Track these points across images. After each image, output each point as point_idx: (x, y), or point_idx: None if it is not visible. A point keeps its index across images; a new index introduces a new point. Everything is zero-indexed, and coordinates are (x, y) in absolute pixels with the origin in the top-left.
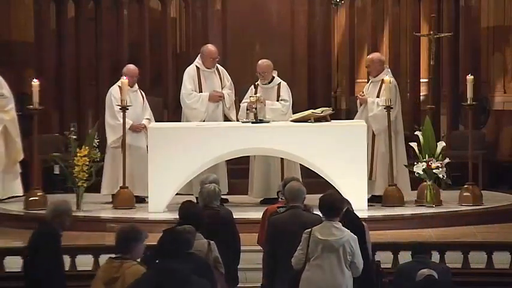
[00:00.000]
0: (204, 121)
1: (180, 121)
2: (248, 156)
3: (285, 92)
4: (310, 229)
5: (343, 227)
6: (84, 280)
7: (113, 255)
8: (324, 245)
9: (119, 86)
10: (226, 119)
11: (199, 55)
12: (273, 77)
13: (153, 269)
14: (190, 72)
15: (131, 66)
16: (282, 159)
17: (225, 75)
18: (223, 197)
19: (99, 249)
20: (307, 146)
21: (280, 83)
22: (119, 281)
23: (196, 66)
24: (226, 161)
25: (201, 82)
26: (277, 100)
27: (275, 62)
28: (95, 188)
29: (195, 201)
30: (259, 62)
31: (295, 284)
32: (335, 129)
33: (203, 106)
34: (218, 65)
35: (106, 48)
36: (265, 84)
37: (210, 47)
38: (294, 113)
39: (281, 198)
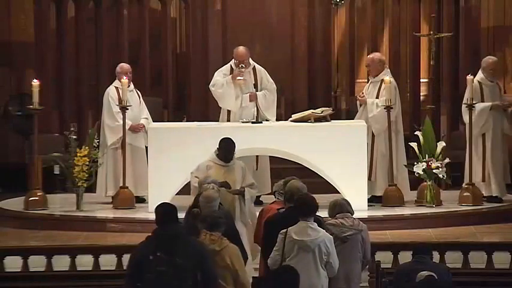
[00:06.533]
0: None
1: (182, 121)
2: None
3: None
4: (285, 229)
5: (318, 227)
6: (84, 280)
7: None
8: (299, 245)
9: (115, 86)
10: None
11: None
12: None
13: None
14: (222, 69)
15: (124, 65)
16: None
17: (264, 76)
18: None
19: (99, 249)
20: (307, 146)
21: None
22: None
23: (231, 65)
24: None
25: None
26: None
27: (275, 62)
28: (95, 188)
29: None
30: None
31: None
32: (335, 129)
33: (230, 88)
34: (257, 65)
35: (106, 49)
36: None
37: (241, 48)
38: (294, 113)
39: (278, 198)
